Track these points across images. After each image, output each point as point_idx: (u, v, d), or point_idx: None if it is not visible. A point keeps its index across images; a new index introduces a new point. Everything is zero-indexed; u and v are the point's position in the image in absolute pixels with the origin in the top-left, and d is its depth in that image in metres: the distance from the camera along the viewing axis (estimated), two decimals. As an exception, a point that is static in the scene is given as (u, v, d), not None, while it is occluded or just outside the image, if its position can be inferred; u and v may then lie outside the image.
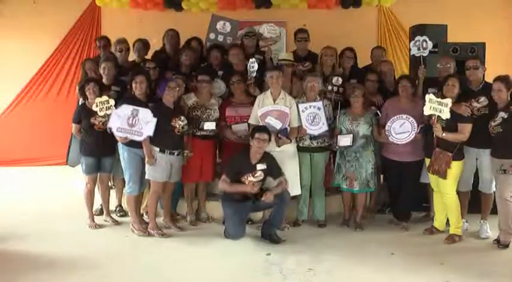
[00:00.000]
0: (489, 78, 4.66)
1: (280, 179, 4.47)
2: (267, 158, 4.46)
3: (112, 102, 4.61)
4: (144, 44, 5.68)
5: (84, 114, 4.81)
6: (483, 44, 5.46)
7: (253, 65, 4.98)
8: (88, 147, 4.85)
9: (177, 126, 4.56)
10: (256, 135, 4.39)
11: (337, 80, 5.05)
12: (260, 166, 4.38)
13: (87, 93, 4.80)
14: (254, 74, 5.00)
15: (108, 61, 5.07)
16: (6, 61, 7.61)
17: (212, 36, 5.86)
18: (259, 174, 4.38)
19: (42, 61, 7.68)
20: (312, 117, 4.75)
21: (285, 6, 7.02)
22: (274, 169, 4.47)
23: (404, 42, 7.30)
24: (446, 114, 4.31)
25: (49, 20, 7.55)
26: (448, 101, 4.30)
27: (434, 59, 5.17)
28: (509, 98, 4.36)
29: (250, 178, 4.38)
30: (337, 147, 4.81)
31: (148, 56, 5.77)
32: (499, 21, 7.63)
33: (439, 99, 4.33)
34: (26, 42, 7.59)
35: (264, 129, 4.47)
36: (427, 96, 4.41)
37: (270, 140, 4.42)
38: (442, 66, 4.91)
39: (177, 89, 4.65)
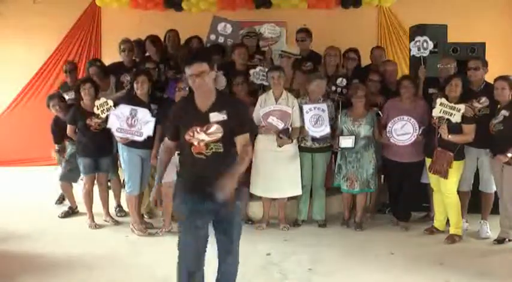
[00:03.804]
0: (489, 78, 4.66)
1: (245, 137, 2.82)
2: (228, 103, 2.85)
3: (111, 103, 4.62)
4: (138, 44, 5.69)
5: (79, 115, 4.81)
6: (483, 44, 5.46)
7: (257, 75, 5.01)
8: (84, 147, 4.85)
9: None
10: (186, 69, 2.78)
11: (342, 82, 5.05)
12: (215, 116, 2.77)
13: (82, 93, 4.81)
14: (258, 82, 5.03)
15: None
16: (6, 61, 7.60)
17: (213, 37, 5.86)
18: (215, 130, 2.75)
19: (42, 61, 7.67)
20: (316, 118, 4.74)
21: (285, 6, 7.02)
22: (238, 120, 2.80)
23: (404, 42, 7.29)
24: (457, 119, 4.33)
25: (49, 20, 7.53)
26: (462, 107, 4.32)
27: (434, 59, 5.17)
28: (510, 97, 4.37)
29: (200, 135, 2.76)
30: (338, 148, 4.81)
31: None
32: (499, 21, 7.62)
33: (451, 104, 4.35)
34: (25, 42, 7.57)
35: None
36: (439, 100, 4.42)
37: (211, 69, 2.77)
38: (442, 66, 4.91)
39: (187, 88, 4.65)
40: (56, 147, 5.27)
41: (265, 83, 4.98)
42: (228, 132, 2.77)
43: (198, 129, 2.76)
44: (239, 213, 3.07)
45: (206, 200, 2.73)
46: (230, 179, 2.62)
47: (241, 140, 2.81)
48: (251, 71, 5.10)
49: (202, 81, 2.71)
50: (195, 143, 2.77)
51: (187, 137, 2.79)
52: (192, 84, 2.75)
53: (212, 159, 2.78)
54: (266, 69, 5.02)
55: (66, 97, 5.28)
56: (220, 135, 2.76)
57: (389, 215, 5.21)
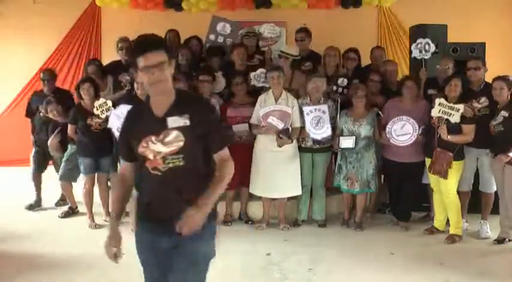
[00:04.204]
0: (489, 78, 4.66)
1: (221, 155, 2.24)
2: (192, 104, 2.23)
3: (110, 103, 4.64)
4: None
5: (80, 115, 4.82)
6: (483, 44, 5.46)
7: (259, 78, 5.00)
8: (85, 147, 4.86)
9: None
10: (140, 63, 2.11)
11: (343, 82, 5.05)
12: (174, 121, 2.16)
13: (81, 93, 4.82)
14: (259, 85, 5.03)
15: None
16: (6, 61, 7.61)
17: (212, 37, 5.86)
18: (174, 138, 2.14)
19: (42, 61, 7.66)
20: (316, 120, 4.73)
21: (285, 6, 7.01)
22: (206, 126, 2.19)
23: (404, 42, 7.28)
24: (456, 119, 4.33)
25: (49, 20, 7.53)
26: (461, 107, 4.32)
27: (434, 59, 5.16)
28: (509, 98, 4.37)
29: (156, 145, 2.16)
30: (339, 149, 4.80)
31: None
32: (499, 21, 7.62)
33: (450, 104, 4.35)
34: (25, 42, 7.58)
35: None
36: (438, 100, 4.42)
37: (171, 62, 2.17)
38: (441, 68, 4.92)
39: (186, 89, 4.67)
40: (34, 148, 5.47)
41: (267, 85, 4.98)
42: (191, 141, 2.14)
43: (154, 138, 2.14)
44: (210, 250, 2.38)
45: (164, 235, 2.18)
46: (200, 208, 2.05)
47: (220, 156, 2.22)
48: (252, 74, 5.09)
49: (162, 75, 2.09)
50: (150, 156, 2.16)
51: (140, 150, 2.17)
52: (148, 80, 2.10)
53: (169, 176, 2.15)
54: (264, 70, 5.03)
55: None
56: (181, 144, 2.12)
57: (389, 215, 5.21)
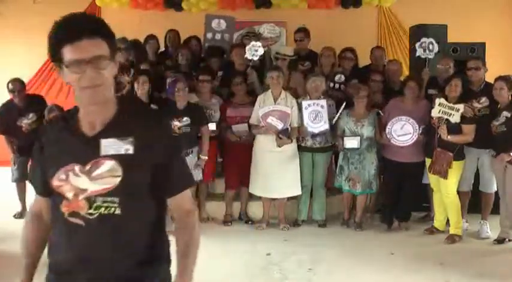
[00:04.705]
0: (489, 78, 4.66)
1: (180, 201, 1.54)
2: (140, 123, 1.50)
3: None
4: (135, 44, 5.67)
5: None
6: (483, 44, 5.46)
7: (251, 51, 4.99)
8: None
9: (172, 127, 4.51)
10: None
11: (340, 78, 5.06)
12: (111, 145, 1.44)
13: None
14: (250, 58, 5.02)
15: None
16: (6, 61, 7.60)
17: (209, 35, 5.86)
18: (108, 171, 1.42)
19: (42, 61, 7.66)
20: (314, 114, 4.74)
21: (285, 6, 7.02)
22: (159, 157, 1.47)
23: (404, 42, 7.28)
24: (456, 119, 4.33)
25: (49, 20, 7.31)
26: (460, 107, 4.32)
27: (434, 59, 5.16)
28: (510, 98, 4.37)
29: (79, 179, 1.43)
30: (343, 149, 4.79)
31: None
32: (499, 21, 7.62)
33: (450, 104, 4.35)
34: (25, 42, 7.57)
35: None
36: (438, 100, 4.42)
37: (113, 57, 1.49)
38: (442, 67, 4.92)
39: (186, 89, 4.67)
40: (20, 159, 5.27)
41: (255, 58, 5.01)
42: (133, 179, 1.42)
43: (77, 168, 1.42)
44: None
45: None
46: None
47: (179, 202, 1.52)
48: (246, 48, 5.08)
49: (98, 75, 1.39)
50: (68, 195, 1.42)
51: (56, 183, 1.44)
52: (77, 82, 1.39)
53: (98, 231, 1.42)
54: (259, 44, 5.02)
55: (25, 121, 5.13)
56: (116, 181, 1.40)
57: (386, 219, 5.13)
